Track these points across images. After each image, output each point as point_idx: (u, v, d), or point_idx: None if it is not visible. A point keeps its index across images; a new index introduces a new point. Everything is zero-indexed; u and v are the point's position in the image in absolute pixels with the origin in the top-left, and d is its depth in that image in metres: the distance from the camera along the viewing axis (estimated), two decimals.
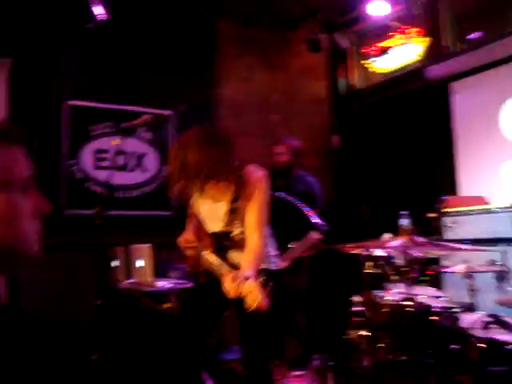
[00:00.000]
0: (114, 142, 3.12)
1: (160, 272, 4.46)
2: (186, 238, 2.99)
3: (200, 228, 3.06)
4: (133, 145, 5.41)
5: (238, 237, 2.84)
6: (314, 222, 4.35)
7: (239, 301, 2.71)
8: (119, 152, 5.28)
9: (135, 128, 3.02)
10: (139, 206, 5.41)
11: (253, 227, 2.78)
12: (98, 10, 4.88)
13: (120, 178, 5.35)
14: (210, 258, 2.70)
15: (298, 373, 4.33)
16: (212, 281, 2.86)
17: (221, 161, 2.71)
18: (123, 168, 5.38)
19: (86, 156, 5.22)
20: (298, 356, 4.52)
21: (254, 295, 2.29)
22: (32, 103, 4.99)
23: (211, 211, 2.91)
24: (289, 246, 4.35)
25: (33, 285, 4.78)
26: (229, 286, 2.38)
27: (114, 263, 4.57)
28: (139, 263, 4.25)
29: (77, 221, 4.92)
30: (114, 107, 5.34)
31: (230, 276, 2.41)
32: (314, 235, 4.38)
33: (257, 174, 2.86)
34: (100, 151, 5.26)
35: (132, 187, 5.42)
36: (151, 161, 5.52)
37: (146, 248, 4.15)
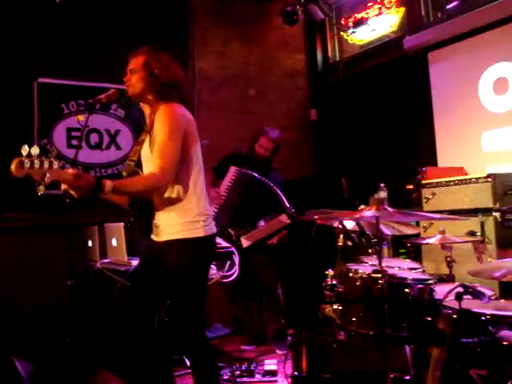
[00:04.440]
0: (80, 117, 3.03)
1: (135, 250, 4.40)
2: None
3: None
4: (106, 122, 5.31)
5: None
6: (286, 206, 4.36)
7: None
8: (92, 130, 5.18)
9: (101, 103, 2.90)
10: None
11: (153, 159, 2.50)
12: None
13: (94, 157, 5.25)
14: None
15: (280, 352, 4.33)
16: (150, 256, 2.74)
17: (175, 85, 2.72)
18: (97, 146, 5.28)
19: (59, 134, 5.10)
20: (277, 333, 4.53)
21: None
22: (2, 81, 4.86)
23: (144, 152, 2.70)
24: (257, 223, 4.38)
25: (6, 266, 4.70)
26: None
27: (89, 243, 4.50)
28: (114, 242, 4.18)
29: (50, 201, 4.81)
30: (86, 84, 5.20)
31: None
32: (283, 218, 4.38)
33: (168, 105, 2.63)
34: (72, 129, 5.14)
35: (106, 165, 5.32)
36: (125, 138, 5.41)
37: (119, 227, 4.08)
